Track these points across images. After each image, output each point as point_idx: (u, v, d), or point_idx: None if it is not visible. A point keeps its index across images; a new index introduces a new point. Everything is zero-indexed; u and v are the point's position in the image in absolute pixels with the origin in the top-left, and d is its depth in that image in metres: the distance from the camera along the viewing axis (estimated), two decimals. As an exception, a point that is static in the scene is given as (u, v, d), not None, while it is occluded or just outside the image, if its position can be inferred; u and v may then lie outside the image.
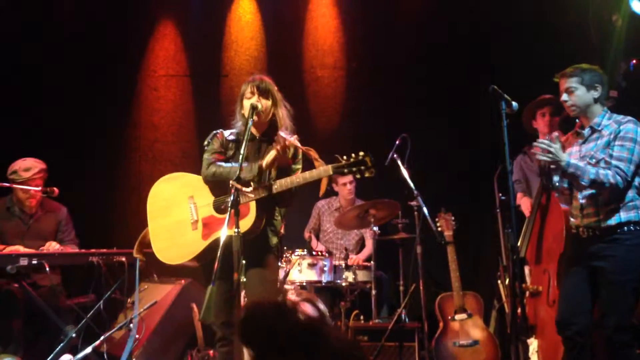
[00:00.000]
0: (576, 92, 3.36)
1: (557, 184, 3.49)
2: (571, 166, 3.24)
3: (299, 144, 3.24)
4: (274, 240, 3.34)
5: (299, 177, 3.17)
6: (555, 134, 3.50)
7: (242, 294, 3.27)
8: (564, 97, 3.39)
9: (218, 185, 3.25)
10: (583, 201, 3.39)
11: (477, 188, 5.30)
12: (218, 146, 3.35)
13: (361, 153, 3.09)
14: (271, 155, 3.19)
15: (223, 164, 3.28)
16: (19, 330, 4.24)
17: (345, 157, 3.11)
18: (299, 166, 3.32)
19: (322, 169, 3.13)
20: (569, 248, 3.56)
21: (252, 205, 3.18)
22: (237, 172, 2.97)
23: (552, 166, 3.32)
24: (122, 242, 4.53)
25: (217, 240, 3.06)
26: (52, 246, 4.45)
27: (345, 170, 3.11)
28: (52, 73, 5.99)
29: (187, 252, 3.23)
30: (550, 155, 3.24)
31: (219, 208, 3.23)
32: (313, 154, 3.19)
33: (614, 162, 3.25)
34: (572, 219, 3.49)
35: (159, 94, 6.34)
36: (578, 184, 3.35)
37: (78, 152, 5.92)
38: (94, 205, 5.79)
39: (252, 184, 3.17)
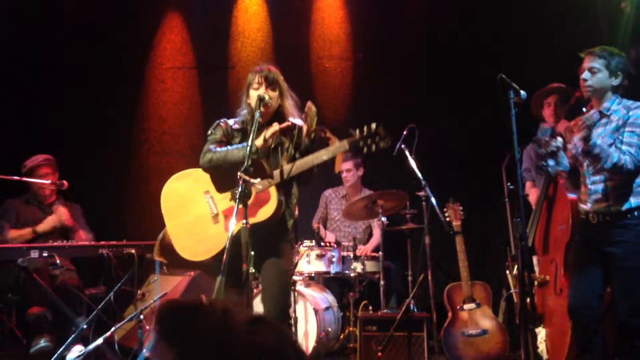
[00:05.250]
0: (599, 74, 3.31)
1: (550, 169, 3.46)
2: (597, 147, 3.19)
3: (300, 122, 3.26)
4: (290, 222, 3.35)
5: (314, 157, 3.17)
6: (593, 111, 3.46)
7: (257, 284, 3.31)
8: (586, 75, 3.33)
9: (233, 175, 3.25)
10: (592, 187, 3.38)
11: (485, 178, 5.29)
12: (220, 135, 3.33)
13: (373, 125, 3.11)
14: (269, 131, 3.18)
15: (218, 148, 3.25)
16: (45, 318, 4.32)
17: (358, 130, 3.13)
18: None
19: (338, 145, 3.14)
20: (579, 234, 3.54)
21: (273, 190, 3.18)
22: (246, 164, 2.97)
23: (579, 145, 3.24)
24: (131, 234, 4.57)
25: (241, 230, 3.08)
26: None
27: (361, 144, 3.12)
28: (58, 67, 6.02)
29: (212, 246, 3.18)
30: (587, 131, 3.19)
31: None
32: (326, 132, 3.20)
33: (624, 147, 3.24)
34: (581, 205, 3.47)
35: (166, 86, 6.36)
36: (598, 166, 3.29)
37: (87, 146, 5.95)
38: (103, 198, 5.84)
39: (265, 165, 3.18)
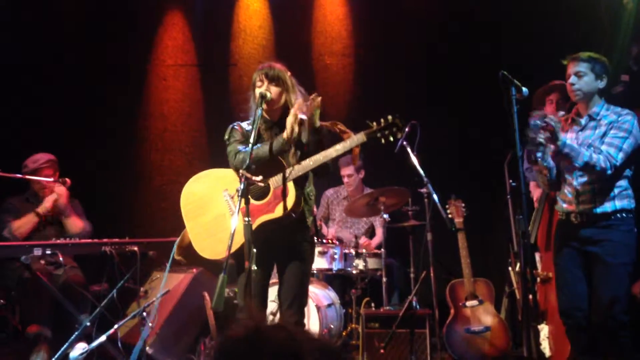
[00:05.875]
0: (585, 77, 3.37)
1: (539, 159, 3.45)
2: (567, 146, 3.26)
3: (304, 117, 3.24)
4: (310, 219, 3.36)
5: (331, 150, 3.17)
6: (562, 113, 3.53)
7: (278, 285, 3.35)
8: (573, 79, 3.40)
9: (254, 172, 3.25)
10: (579, 187, 3.41)
11: (487, 175, 5.28)
12: (240, 137, 3.34)
13: (390, 117, 3.16)
14: (289, 125, 3.17)
15: (247, 148, 3.24)
16: (44, 336, 4.33)
17: (375, 122, 3.15)
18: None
19: (355, 138, 3.16)
20: (558, 235, 3.57)
21: (291, 186, 3.19)
22: (248, 161, 2.97)
23: (545, 142, 3.28)
24: (134, 231, 4.57)
25: (261, 226, 3.12)
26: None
27: (378, 135, 3.16)
28: (59, 65, 6.01)
29: (233, 243, 3.14)
30: (546, 134, 3.21)
31: (256, 195, 3.21)
32: (340, 126, 3.20)
33: (604, 147, 3.30)
34: (563, 205, 3.50)
35: (168, 83, 6.35)
36: (571, 166, 3.35)
37: (88, 144, 5.95)
38: (105, 195, 5.84)
39: (283, 161, 3.19)
